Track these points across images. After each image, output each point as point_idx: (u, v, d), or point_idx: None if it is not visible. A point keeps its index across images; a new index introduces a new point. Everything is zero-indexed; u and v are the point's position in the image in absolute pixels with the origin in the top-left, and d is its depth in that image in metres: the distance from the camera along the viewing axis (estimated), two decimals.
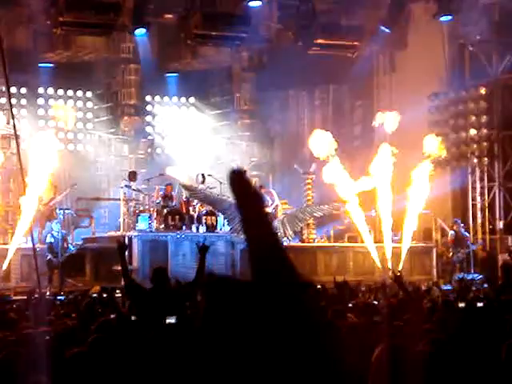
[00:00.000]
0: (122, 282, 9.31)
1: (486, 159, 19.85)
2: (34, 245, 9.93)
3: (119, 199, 18.78)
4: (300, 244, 18.66)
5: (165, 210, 17.78)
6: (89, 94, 21.78)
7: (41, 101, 21.12)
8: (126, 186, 18.26)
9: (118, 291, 11.90)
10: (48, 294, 14.54)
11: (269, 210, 18.46)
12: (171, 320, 6.85)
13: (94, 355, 5.26)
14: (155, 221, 17.66)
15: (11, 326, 7.63)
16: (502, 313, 7.28)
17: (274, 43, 21.08)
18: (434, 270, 19.04)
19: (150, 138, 22.29)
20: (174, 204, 18.10)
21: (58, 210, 17.68)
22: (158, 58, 21.19)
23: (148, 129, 22.35)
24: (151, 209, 17.95)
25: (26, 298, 11.18)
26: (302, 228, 18.43)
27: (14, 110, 18.98)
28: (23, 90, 20.69)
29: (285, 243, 17.21)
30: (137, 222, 17.76)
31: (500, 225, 20.02)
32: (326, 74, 21.72)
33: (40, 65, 20.76)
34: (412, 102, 20.14)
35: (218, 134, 23.05)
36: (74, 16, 19.19)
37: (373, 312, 7.26)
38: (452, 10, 19.59)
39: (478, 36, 19.73)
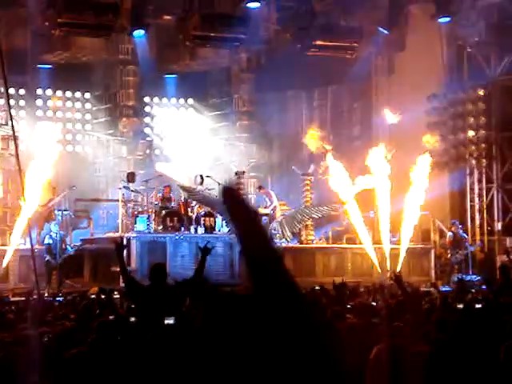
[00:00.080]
0: (121, 283, 9.31)
1: (484, 161, 19.87)
2: (32, 246, 9.92)
3: (118, 200, 18.79)
4: (298, 245, 18.65)
5: (163, 212, 17.78)
6: (87, 95, 21.79)
7: (39, 102, 21.12)
8: (124, 187, 18.26)
9: (116, 292, 11.88)
10: (46, 295, 14.53)
11: (267, 211, 18.48)
12: (169, 321, 6.84)
13: (92, 356, 5.26)
14: (154, 222, 17.66)
15: (9, 326, 7.62)
16: (501, 314, 7.29)
17: (273, 44, 21.09)
18: (433, 272, 19.03)
19: (148, 139, 22.30)
20: (172, 205, 18.10)
21: (56, 211, 17.70)
22: (157, 59, 21.20)
23: (146, 130, 22.36)
24: (150, 210, 17.95)
25: (24, 299, 11.18)
26: (300, 229, 18.43)
27: (13, 111, 18.99)
28: (22, 91, 20.69)
29: (283, 244, 17.22)
30: (135, 223, 17.76)
31: (498, 226, 20.03)
32: (325, 75, 21.73)
33: (39, 66, 20.77)
34: (410, 103, 20.16)
35: (216, 135, 23.06)
36: (73, 17, 19.19)
37: (371, 313, 7.26)
38: (450, 11, 19.60)
39: (476, 38, 19.75)
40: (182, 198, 18.18)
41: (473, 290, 13.40)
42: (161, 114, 22.62)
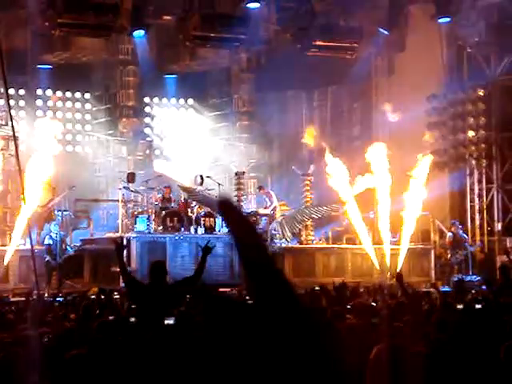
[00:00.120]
0: (121, 282, 9.29)
1: (484, 161, 19.86)
2: (32, 246, 9.91)
3: (118, 201, 18.78)
4: (298, 245, 18.65)
5: (163, 212, 17.79)
6: (87, 95, 21.78)
7: (39, 102, 21.11)
8: (124, 187, 18.26)
9: (116, 293, 11.89)
10: (46, 295, 14.53)
11: (267, 211, 18.49)
12: (170, 321, 6.84)
13: (93, 357, 5.25)
14: (154, 222, 17.66)
15: (9, 327, 7.62)
16: (501, 314, 7.29)
17: (273, 45, 21.09)
18: (433, 272, 19.03)
19: (148, 139, 22.30)
20: (172, 206, 18.10)
21: (56, 212, 17.69)
22: (157, 59, 21.20)
23: (146, 130, 22.36)
24: (150, 210, 17.95)
25: (24, 299, 11.18)
26: (300, 229, 18.44)
27: (13, 112, 18.99)
28: (22, 92, 20.69)
29: (283, 245, 17.23)
30: (135, 223, 17.76)
31: (498, 226, 20.03)
32: (325, 75, 21.73)
33: (38, 66, 20.77)
34: (410, 104, 20.16)
35: (216, 136, 23.07)
36: (73, 17, 19.19)
37: (371, 313, 7.26)
38: (450, 11, 19.60)
39: (476, 38, 19.74)
40: (182, 199, 18.18)
41: (473, 291, 13.40)
42: (161, 114, 22.62)
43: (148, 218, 17.70)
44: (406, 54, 20.95)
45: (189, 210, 18.04)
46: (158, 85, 22.21)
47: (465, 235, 18.91)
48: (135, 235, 16.99)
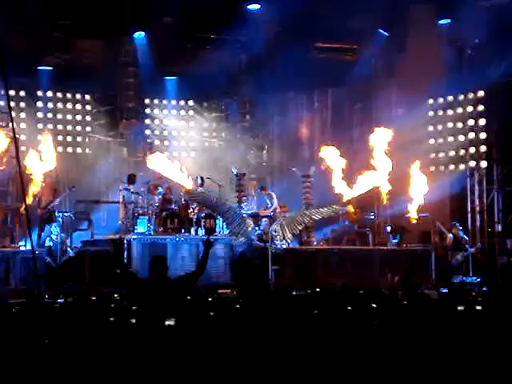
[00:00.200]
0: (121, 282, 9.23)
1: (484, 162, 19.86)
2: (33, 248, 9.93)
3: (118, 202, 18.80)
4: (299, 247, 18.65)
5: (164, 213, 17.79)
6: (88, 96, 21.77)
7: (40, 104, 21.12)
8: (124, 188, 18.27)
9: (116, 295, 11.87)
10: (47, 297, 14.52)
11: (268, 212, 18.49)
12: (170, 322, 6.83)
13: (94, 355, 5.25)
14: (154, 224, 17.67)
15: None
16: (501, 316, 7.29)
17: (273, 46, 21.08)
18: (433, 273, 19.02)
19: (148, 140, 22.29)
20: (172, 207, 18.10)
21: (56, 213, 17.69)
22: (157, 60, 21.20)
23: (147, 132, 22.34)
24: (150, 212, 17.95)
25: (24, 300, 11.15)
26: (300, 231, 18.43)
27: (13, 113, 19.00)
28: (22, 93, 20.69)
29: (284, 246, 17.22)
30: (136, 224, 17.77)
31: (499, 228, 20.03)
32: (325, 76, 21.72)
33: (39, 67, 20.77)
34: (410, 105, 20.18)
35: (216, 137, 23.09)
36: (73, 19, 19.20)
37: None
38: (450, 12, 19.60)
39: (476, 39, 19.76)
40: (183, 200, 18.18)
41: (473, 293, 13.38)
42: (161, 115, 22.62)
43: (148, 220, 17.71)
44: (406, 55, 20.95)
45: (189, 212, 18.05)
46: (158, 86, 22.20)
47: (465, 237, 18.90)
48: (135, 237, 17.00)
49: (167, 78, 22.45)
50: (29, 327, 6.92)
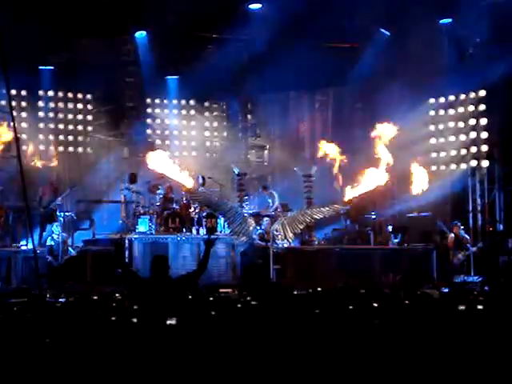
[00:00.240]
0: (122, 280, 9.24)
1: (486, 162, 19.86)
2: (34, 247, 9.94)
3: (119, 201, 18.81)
4: (300, 246, 18.66)
5: (165, 213, 17.80)
6: (89, 96, 21.78)
7: (41, 103, 21.13)
8: (126, 188, 18.28)
9: (117, 294, 11.88)
10: (48, 296, 14.53)
11: (269, 211, 18.50)
12: (172, 321, 6.83)
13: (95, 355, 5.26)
14: (155, 223, 17.68)
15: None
16: (503, 315, 7.28)
17: (275, 45, 21.08)
18: (434, 273, 19.02)
19: (150, 140, 22.30)
20: (174, 206, 18.11)
21: (58, 213, 17.70)
22: (159, 60, 21.20)
23: (148, 131, 22.34)
24: (151, 211, 17.96)
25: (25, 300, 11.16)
26: (302, 230, 18.44)
27: (14, 113, 18.99)
28: (23, 92, 20.69)
29: (285, 245, 17.24)
30: (137, 224, 17.78)
31: (500, 227, 20.03)
32: (326, 75, 21.72)
33: (40, 67, 20.77)
34: (412, 105, 20.18)
35: (218, 137, 23.10)
36: (75, 18, 19.20)
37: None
38: (451, 11, 19.60)
39: (477, 38, 19.75)
40: (184, 199, 18.19)
41: (475, 292, 13.39)
42: (162, 115, 22.62)
43: (150, 219, 17.72)
44: (407, 55, 20.94)
45: (191, 211, 18.06)
46: (159, 85, 22.20)
47: (467, 236, 18.91)
48: (137, 236, 17.01)
49: (168, 77, 22.45)
50: (30, 326, 6.92)
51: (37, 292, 10.55)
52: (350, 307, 8.59)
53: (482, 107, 19.79)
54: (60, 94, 21.37)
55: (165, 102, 22.70)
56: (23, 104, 20.72)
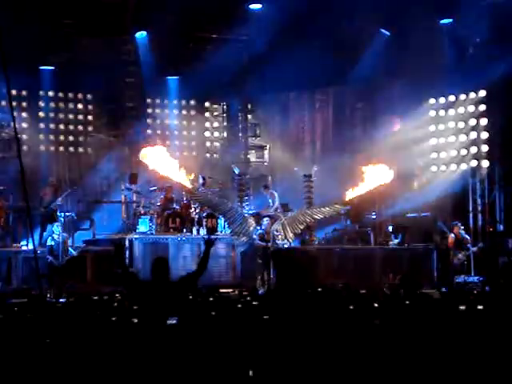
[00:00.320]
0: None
1: (486, 162, 19.86)
2: (34, 247, 9.94)
3: (120, 202, 18.81)
4: (300, 246, 18.66)
5: (165, 213, 17.80)
6: (89, 96, 21.79)
7: (41, 103, 21.13)
8: (126, 188, 18.28)
9: (117, 295, 11.89)
10: (48, 296, 14.55)
11: (270, 211, 18.49)
12: (172, 321, 6.84)
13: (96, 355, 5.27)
14: (156, 223, 17.68)
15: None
16: (503, 315, 7.29)
17: (275, 45, 21.09)
18: (434, 273, 19.03)
19: (150, 140, 22.29)
20: (174, 206, 18.12)
21: (58, 213, 17.71)
22: (159, 60, 21.20)
23: (148, 131, 22.34)
24: (152, 211, 17.96)
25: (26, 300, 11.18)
26: (302, 230, 18.45)
27: (15, 113, 19.00)
28: (24, 93, 20.70)
29: (285, 245, 17.24)
30: (137, 224, 17.78)
31: (500, 227, 20.03)
32: (327, 75, 21.72)
33: (41, 67, 20.77)
34: (412, 104, 20.18)
35: (218, 137, 23.10)
36: (75, 18, 19.20)
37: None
38: (452, 11, 19.59)
39: (477, 38, 19.75)
40: (184, 199, 18.20)
41: (475, 292, 13.40)
42: (163, 115, 22.63)
43: (150, 219, 17.72)
44: (407, 55, 20.95)
45: (191, 211, 18.06)
46: (159, 86, 22.20)
47: (467, 236, 18.91)
48: (137, 236, 17.02)
49: (169, 77, 22.45)
50: (30, 326, 6.93)
51: (37, 292, 10.56)
52: (350, 307, 8.60)
53: (482, 107, 19.79)
54: (60, 94, 21.38)
55: (165, 102, 22.72)
56: (23, 104, 20.73)
